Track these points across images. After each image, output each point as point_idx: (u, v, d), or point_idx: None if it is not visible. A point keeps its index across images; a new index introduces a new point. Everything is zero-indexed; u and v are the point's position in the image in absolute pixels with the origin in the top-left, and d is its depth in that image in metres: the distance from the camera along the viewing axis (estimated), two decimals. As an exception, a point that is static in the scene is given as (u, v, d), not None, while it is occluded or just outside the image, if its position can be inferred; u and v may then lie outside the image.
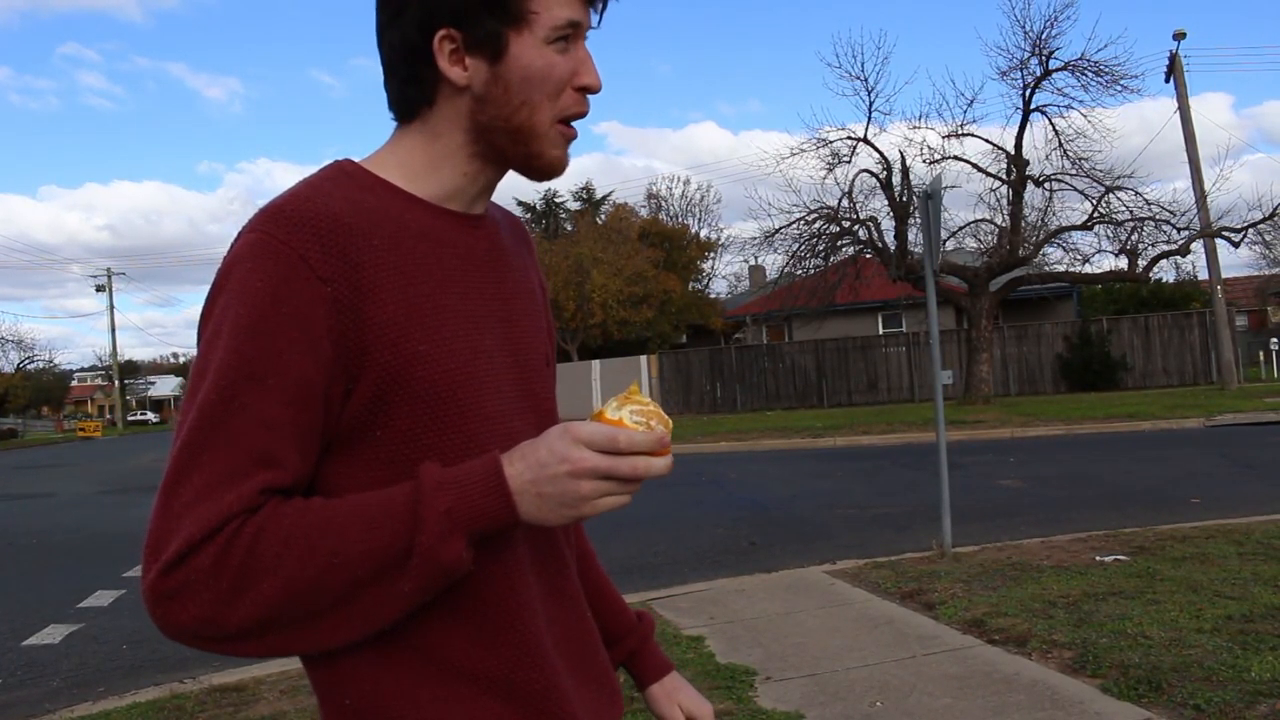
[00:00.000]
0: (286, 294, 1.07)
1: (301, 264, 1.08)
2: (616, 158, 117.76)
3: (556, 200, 50.18)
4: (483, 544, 1.11)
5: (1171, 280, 34.88)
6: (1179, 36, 26.47)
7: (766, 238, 28.50)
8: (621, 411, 1.08)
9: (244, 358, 1.06)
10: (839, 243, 27.83)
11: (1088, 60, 24.83)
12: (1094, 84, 25.84)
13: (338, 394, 1.10)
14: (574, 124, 1.23)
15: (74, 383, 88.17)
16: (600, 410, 1.09)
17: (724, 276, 61.41)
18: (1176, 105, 26.70)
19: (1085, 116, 25.26)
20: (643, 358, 35.28)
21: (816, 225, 27.54)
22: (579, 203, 51.11)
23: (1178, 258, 26.58)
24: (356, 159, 1.24)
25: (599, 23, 1.23)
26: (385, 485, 1.11)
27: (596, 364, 35.41)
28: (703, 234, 53.72)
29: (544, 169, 1.23)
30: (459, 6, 1.14)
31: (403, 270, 1.14)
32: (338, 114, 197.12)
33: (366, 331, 1.10)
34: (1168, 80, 26.99)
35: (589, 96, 1.22)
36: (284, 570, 1.03)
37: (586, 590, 1.43)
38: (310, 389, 1.08)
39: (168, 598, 1.02)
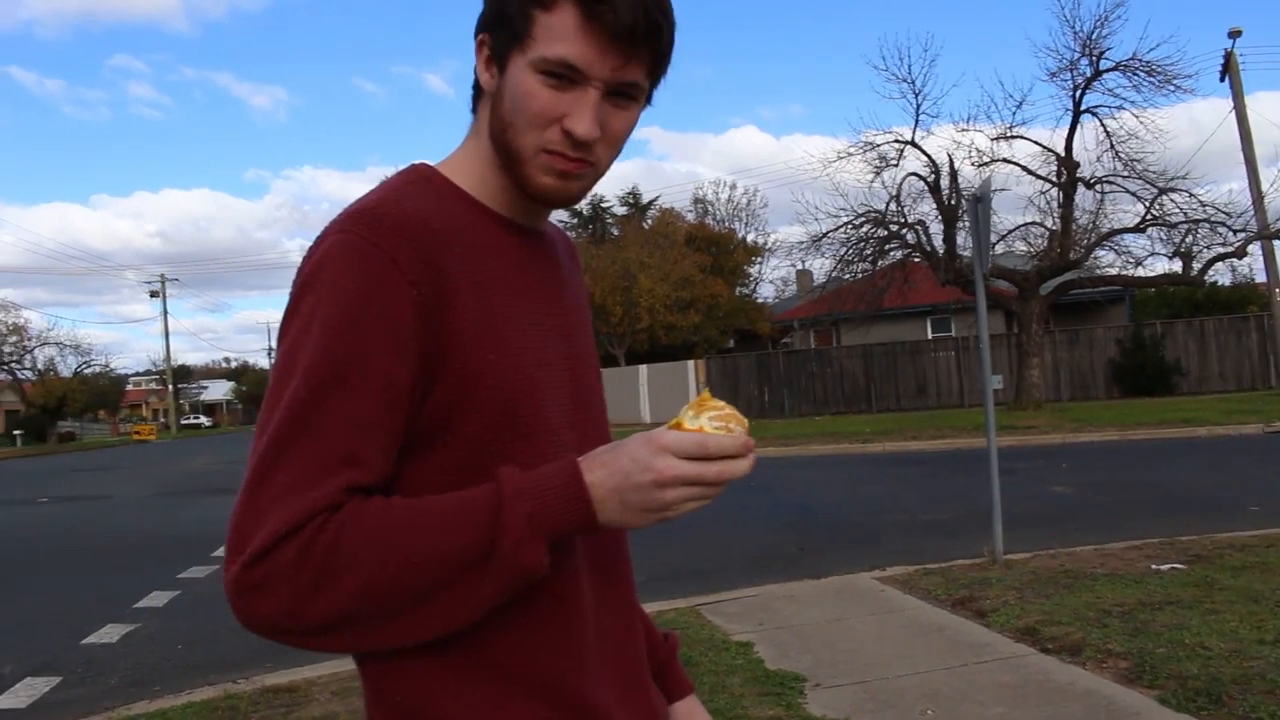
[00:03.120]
0: (378, 295, 1.09)
1: (392, 266, 1.10)
2: (659, 163, 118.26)
3: (603, 205, 50.28)
4: (559, 548, 1.12)
5: (1227, 283, 34.24)
6: (1234, 34, 26.03)
7: (814, 242, 28.39)
8: (700, 419, 1.08)
9: (334, 357, 1.08)
10: (887, 247, 27.63)
11: (1139, 60, 24.46)
12: (1146, 84, 25.45)
13: (417, 397, 1.12)
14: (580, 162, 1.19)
15: (129, 387, 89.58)
16: (678, 420, 1.09)
17: (771, 281, 61.12)
18: (1232, 104, 26.26)
19: (1137, 117, 24.91)
20: (690, 363, 35.22)
21: (864, 229, 27.38)
22: (625, 207, 51.19)
23: (1234, 260, 26.08)
24: (433, 162, 1.28)
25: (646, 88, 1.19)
26: (452, 489, 1.12)
27: (644, 369, 35.43)
28: (749, 238, 53.59)
29: (534, 194, 1.21)
30: (489, 16, 1.19)
31: (478, 280, 1.16)
32: (381, 121, 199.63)
33: (445, 337, 1.12)
34: (1223, 79, 26.55)
35: (589, 143, 1.17)
36: (364, 568, 1.04)
37: None
38: (397, 390, 1.10)
39: (251, 589, 1.04)
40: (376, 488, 1.11)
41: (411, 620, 1.08)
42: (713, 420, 1.08)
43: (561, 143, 1.16)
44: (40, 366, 60.25)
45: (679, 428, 1.08)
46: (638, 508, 1.08)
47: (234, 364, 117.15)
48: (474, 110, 1.28)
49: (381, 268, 1.09)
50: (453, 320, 1.12)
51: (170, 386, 76.96)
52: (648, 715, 1.33)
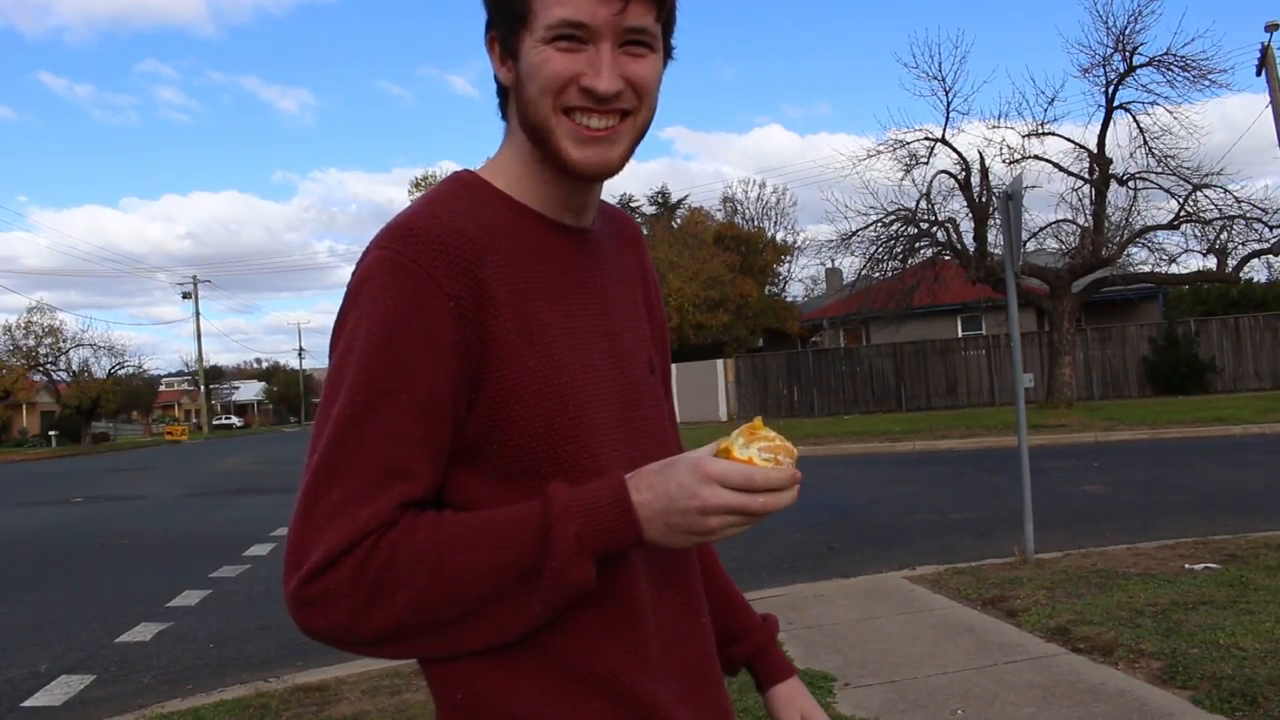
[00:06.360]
0: (416, 310, 1.11)
1: (430, 281, 1.12)
2: (685, 163, 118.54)
3: (632, 205, 50.27)
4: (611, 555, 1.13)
5: (1263, 280, 33.82)
6: (1271, 28, 25.65)
7: (843, 240, 28.34)
8: (750, 449, 1.09)
9: (376, 373, 1.11)
10: (917, 245, 27.53)
11: (1173, 55, 24.29)
12: (1180, 79, 25.13)
13: (461, 407, 1.14)
14: (607, 128, 1.18)
15: (161, 388, 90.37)
16: (727, 445, 1.10)
17: (800, 280, 61.07)
18: (1269, 99, 25.91)
19: (1171, 113, 24.70)
20: (719, 362, 35.19)
21: (894, 227, 27.29)
22: (654, 207, 51.16)
23: (1269, 257, 25.80)
24: (474, 168, 1.29)
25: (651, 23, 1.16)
26: (501, 496, 1.14)
27: (673, 368, 35.23)
28: (779, 237, 53.48)
29: (567, 166, 1.20)
30: (491, 10, 1.22)
31: (517, 287, 1.18)
32: (406, 123, 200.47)
33: (485, 346, 1.14)
34: (1259, 73, 26.13)
35: (614, 96, 1.16)
36: (417, 585, 1.08)
37: (709, 590, 1.44)
38: (439, 403, 1.12)
39: (308, 604, 1.08)
40: (427, 499, 1.14)
41: (463, 632, 1.12)
42: (762, 451, 1.08)
43: (583, 98, 1.16)
44: (75, 368, 60.79)
45: (727, 454, 1.08)
46: (681, 530, 1.09)
47: (265, 365, 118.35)
48: (503, 115, 1.28)
49: (419, 283, 1.11)
50: (492, 329, 1.14)
51: (202, 387, 77.55)
52: (713, 711, 1.32)
